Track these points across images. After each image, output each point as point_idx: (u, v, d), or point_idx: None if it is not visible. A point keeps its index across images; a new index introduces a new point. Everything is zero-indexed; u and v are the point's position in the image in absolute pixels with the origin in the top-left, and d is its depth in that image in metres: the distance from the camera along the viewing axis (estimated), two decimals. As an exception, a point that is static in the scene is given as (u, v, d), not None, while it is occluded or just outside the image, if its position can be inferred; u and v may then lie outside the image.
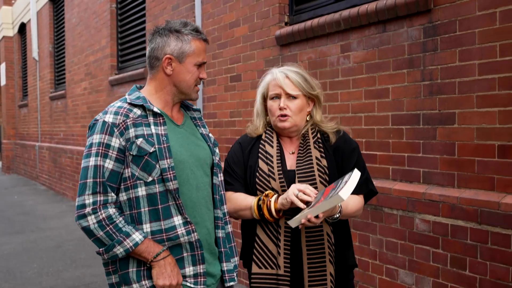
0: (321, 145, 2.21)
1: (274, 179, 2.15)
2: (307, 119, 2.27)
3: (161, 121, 1.99)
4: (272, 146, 2.24)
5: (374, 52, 3.49)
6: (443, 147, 3.07)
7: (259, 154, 2.23)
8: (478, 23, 2.85)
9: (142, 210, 1.93)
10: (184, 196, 1.99)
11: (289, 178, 2.16)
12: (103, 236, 1.87)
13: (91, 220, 1.86)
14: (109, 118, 1.93)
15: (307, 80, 2.22)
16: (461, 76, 2.95)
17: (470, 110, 2.92)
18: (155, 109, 1.99)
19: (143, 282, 1.94)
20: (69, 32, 10.42)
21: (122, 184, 1.93)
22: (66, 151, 10.49)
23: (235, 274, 2.15)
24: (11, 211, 9.11)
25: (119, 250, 1.88)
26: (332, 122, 2.32)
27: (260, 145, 2.26)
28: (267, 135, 2.28)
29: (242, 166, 2.27)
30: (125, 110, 1.96)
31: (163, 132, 1.97)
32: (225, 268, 2.12)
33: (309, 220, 1.92)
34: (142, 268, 1.95)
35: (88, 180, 1.88)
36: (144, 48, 7.18)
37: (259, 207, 2.11)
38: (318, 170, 2.15)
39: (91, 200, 1.86)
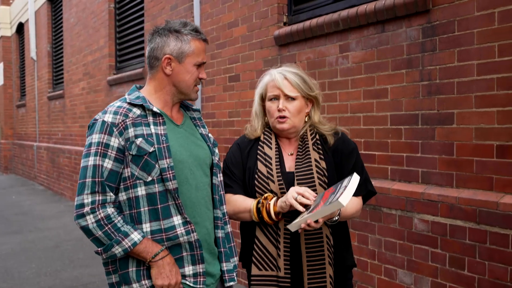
0: (320, 146, 2.21)
1: (273, 181, 2.15)
2: (306, 120, 2.27)
3: (161, 121, 1.99)
4: (270, 148, 2.23)
5: (372, 52, 3.49)
6: (441, 147, 3.08)
7: (258, 156, 2.23)
8: (476, 24, 2.86)
9: (142, 209, 1.94)
10: (184, 196, 1.99)
11: (288, 180, 2.16)
12: (102, 236, 1.87)
13: (90, 220, 1.86)
14: (109, 117, 1.93)
15: (306, 81, 2.21)
16: (460, 76, 2.96)
17: (469, 110, 2.92)
18: (155, 109, 1.99)
19: (143, 282, 1.94)
20: (67, 32, 10.41)
21: (121, 183, 1.93)
22: (64, 151, 10.48)
23: (234, 274, 2.15)
24: (9, 211, 9.09)
25: (117, 250, 1.88)
26: (330, 123, 2.31)
27: (259, 147, 2.26)
28: (265, 137, 2.28)
29: (240, 168, 2.27)
30: (124, 109, 1.96)
31: (162, 132, 1.97)
32: (225, 268, 2.12)
33: (308, 225, 1.92)
34: (142, 268, 1.95)
35: (87, 180, 1.88)
36: (143, 48, 7.18)
37: (258, 210, 2.11)
38: (317, 172, 2.15)
39: (89, 200, 1.86)
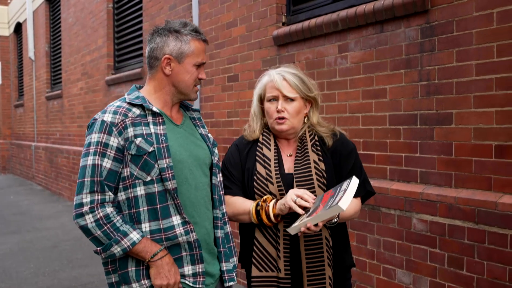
0: (318, 148, 2.21)
1: (272, 183, 2.15)
2: (305, 121, 2.27)
3: (160, 120, 1.99)
4: (269, 149, 2.23)
5: (371, 52, 3.50)
6: (440, 147, 3.08)
7: (257, 157, 2.22)
8: (475, 24, 2.86)
9: (141, 209, 1.93)
10: (183, 196, 1.99)
11: (287, 181, 2.16)
12: (101, 235, 1.87)
13: (89, 219, 1.86)
14: (108, 117, 1.93)
15: (305, 82, 2.21)
16: (458, 76, 2.96)
17: (467, 110, 2.93)
18: (154, 109, 1.99)
19: (143, 282, 1.94)
20: (65, 31, 10.39)
21: (120, 183, 1.93)
22: (62, 151, 10.47)
23: (234, 274, 2.16)
24: (7, 211, 9.08)
25: (116, 250, 1.88)
26: (328, 123, 2.31)
27: (258, 148, 2.25)
28: (264, 138, 2.27)
29: (239, 169, 2.26)
30: (124, 109, 1.96)
31: (162, 132, 1.97)
32: (224, 268, 2.12)
33: (308, 228, 1.92)
34: (141, 268, 1.95)
35: (86, 179, 1.88)
36: (141, 48, 7.18)
37: (257, 213, 2.10)
38: (316, 174, 2.15)
39: (88, 199, 1.86)
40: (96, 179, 1.87)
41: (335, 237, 2.20)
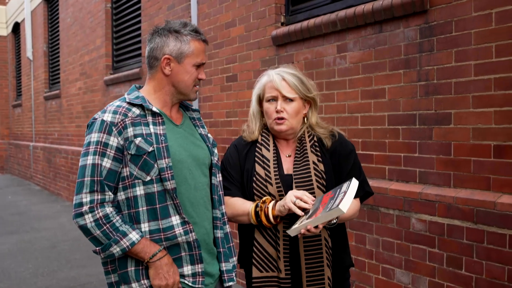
0: (318, 149, 2.21)
1: (271, 184, 2.15)
2: (304, 121, 2.27)
3: (160, 120, 1.99)
4: (268, 150, 2.23)
5: (370, 52, 3.50)
6: (439, 147, 3.09)
7: (256, 158, 2.22)
8: (474, 24, 2.87)
9: (140, 209, 1.93)
10: (182, 196, 1.99)
11: (286, 182, 2.16)
12: (100, 235, 1.87)
13: (88, 219, 1.86)
14: (108, 117, 1.93)
15: (304, 83, 2.21)
16: (457, 76, 2.97)
17: (466, 110, 2.93)
18: (154, 109, 1.99)
19: (142, 282, 1.94)
20: (63, 31, 10.38)
21: (120, 183, 1.93)
22: (60, 151, 10.46)
23: (234, 274, 2.16)
24: (5, 211, 9.07)
25: (115, 250, 1.88)
26: (327, 124, 2.31)
27: (257, 149, 2.25)
28: (263, 138, 2.27)
29: (238, 170, 2.26)
30: (124, 109, 1.96)
31: (161, 132, 1.97)
32: (224, 268, 2.12)
33: (308, 230, 1.92)
34: (141, 267, 1.95)
35: (85, 179, 1.88)
36: (139, 48, 7.17)
37: (256, 214, 2.11)
38: (315, 175, 2.15)
39: (88, 199, 1.86)
40: (96, 178, 1.87)
41: (334, 237, 2.20)
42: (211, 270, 2.08)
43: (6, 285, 5.01)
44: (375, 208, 3.48)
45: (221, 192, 2.18)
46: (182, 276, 1.99)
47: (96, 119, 1.96)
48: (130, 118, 1.95)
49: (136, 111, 1.98)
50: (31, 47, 12.64)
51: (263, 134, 2.28)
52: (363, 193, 2.25)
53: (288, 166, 2.22)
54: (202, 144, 2.14)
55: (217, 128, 5.18)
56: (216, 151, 2.20)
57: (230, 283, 2.15)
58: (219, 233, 2.13)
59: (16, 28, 14.76)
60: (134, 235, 1.88)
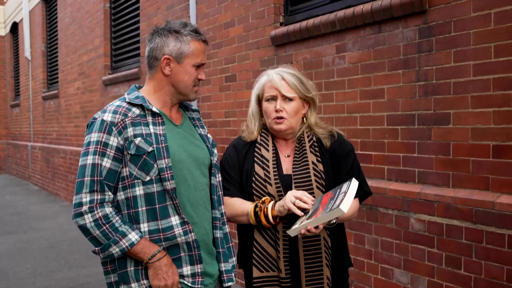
0: (317, 149, 2.21)
1: (271, 184, 2.15)
2: (303, 121, 2.27)
3: (160, 121, 1.99)
4: (267, 150, 2.23)
5: (369, 52, 3.50)
6: (438, 147, 3.09)
7: (255, 158, 2.22)
8: (473, 24, 2.87)
9: (140, 209, 1.93)
10: (182, 196, 1.99)
11: (285, 183, 2.16)
12: (99, 235, 1.87)
13: (88, 219, 1.86)
14: (108, 116, 1.93)
15: (303, 82, 2.21)
16: (456, 76, 2.97)
17: (465, 111, 2.94)
18: (154, 109, 1.99)
19: (142, 282, 1.94)
20: (62, 31, 10.37)
21: (120, 183, 1.93)
22: (59, 151, 10.44)
23: (233, 274, 2.16)
24: (3, 212, 9.05)
25: (115, 250, 1.88)
26: (326, 124, 2.31)
27: (256, 149, 2.25)
28: (262, 138, 2.27)
29: (237, 170, 2.26)
30: (124, 109, 1.96)
31: (161, 132, 1.97)
32: (223, 269, 2.12)
33: (308, 230, 1.93)
34: (141, 267, 1.95)
35: (85, 178, 1.87)
36: (138, 48, 7.17)
37: (256, 214, 2.11)
38: (315, 175, 2.15)
39: (88, 199, 1.86)
40: (96, 178, 1.87)
41: (333, 237, 2.20)
42: (211, 271, 2.08)
43: (5, 285, 5.00)
44: (374, 208, 3.48)
45: (220, 193, 2.18)
46: (182, 276, 1.99)
47: (96, 119, 1.95)
48: (130, 118, 1.95)
49: (136, 111, 1.98)
50: (29, 47, 12.62)
51: (262, 134, 2.28)
52: (362, 193, 2.25)
53: (287, 166, 2.22)
54: (202, 144, 2.14)
55: (216, 128, 5.17)
56: (215, 151, 2.20)
57: (230, 283, 2.15)
58: (218, 233, 2.13)
59: (14, 28, 14.74)
60: (133, 236, 1.88)
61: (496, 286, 2.78)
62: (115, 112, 1.94)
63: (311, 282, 2.13)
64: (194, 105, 5.46)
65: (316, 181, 2.14)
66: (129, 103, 1.99)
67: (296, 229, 1.96)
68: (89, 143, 1.91)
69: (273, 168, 2.17)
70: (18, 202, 10.16)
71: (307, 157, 2.18)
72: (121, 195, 1.94)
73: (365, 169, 3.41)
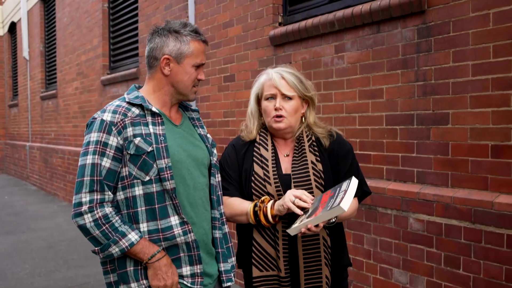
0: (316, 148, 2.21)
1: (270, 184, 2.15)
2: (302, 121, 2.27)
3: (159, 121, 1.99)
4: (267, 149, 2.23)
5: (368, 52, 3.51)
6: (437, 147, 3.10)
7: (254, 158, 2.23)
8: (471, 24, 2.88)
9: (139, 209, 1.93)
10: (181, 196, 1.99)
11: (284, 182, 2.16)
12: (99, 235, 1.87)
13: (88, 219, 1.85)
14: (107, 116, 1.93)
15: (302, 82, 2.22)
16: (455, 76, 2.98)
17: (464, 111, 2.94)
18: (154, 109, 1.99)
19: (141, 282, 1.94)
20: (60, 31, 10.36)
21: (119, 183, 1.93)
22: (57, 151, 10.43)
23: (232, 275, 2.16)
24: (2, 212, 9.04)
25: (114, 250, 1.88)
26: (324, 124, 2.32)
27: (255, 148, 2.25)
28: (261, 138, 2.27)
29: (236, 170, 2.26)
30: (123, 109, 1.96)
31: (161, 132, 1.97)
32: (223, 269, 2.12)
33: (309, 229, 1.93)
34: (140, 267, 1.95)
35: (85, 178, 1.87)
36: (137, 48, 7.16)
37: (255, 213, 2.11)
38: (314, 174, 2.15)
39: (88, 198, 1.86)
40: (95, 178, 1.87)
41: (332, 236, 2.21)
42: (210, 271, 2.08)
43: (3, 286, 4.99)
44: (373, 208, 3.48)
45: (219, 193, 2.18)
46: (181, 276, 1.99)
47: (95, 118, 1.95)
48: (129, 118, 1.95)
49: (136, 111, 1.98)
50: (28, 47, 12.61)
51: (261, 133, 2.28)
52: (361, 193, 2.25)
53: (286, 166, 2.22)
54: (201, 145, 2.14)
55: (214, 128, 5.17)
56: (215, 151, 2.20)
57: (229, 284, 2.15)
58: (217, 234, 2.13)
59: (13, 27, 14.72)
60: (133, 236, 1.88)
61: (495, 285, 2.79)
62: (114, 112, 1.94)
63: (310, 281, 2.13)
64: (193, 105, 5.45)
65: (315, 180, 2.14)
66: (128, 103, 1.99)
67: (296, 228, 1.96)
68: (88, 143, 1.91)
69: (272, 167, 2.18)
70: (16, 202, 10.15)
71: (306, 156, 2.18)
72: (120, 195, 1.93)
73: (364, 169, 3.41)
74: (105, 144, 1.90)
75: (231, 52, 4.92)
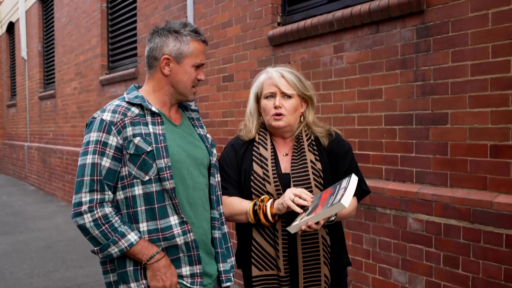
0: (315, 147, 2.22)
1: (269, 183, 2.15)
2: (301, 120, 2.27)
3: (159, 120, 1.99)
4: (266, 149, 2.23)
5: (367, 52, 3.51)
6: (436, 147, 3.10)
7: (253, 157, 2.23)
8: (470, 24, 2.88)
9: (139, 209, 1.93)
10: (180, 196, 1.99)
11: (284, 181, 2.16)
12: (99, 235, 1.87)
13: (87, 219, 1.85)
14: (107, 116, 1.93)
15: (302, 81, 2.23)
16: (454, 76, 2.98)
17: (463, 111, 2.94)
18: (153, 109, 1.99)
19: (141, 282, 1.94)
20: (58, 31, 10.35)
21: (119, 182, 1.92)
22: (55, 151, 10.42)
23: (231, 275, 2.16)
24: (0, 212, 9.02)
25: (113, 250, 1.88)
26: (323, 123, 2.32)
27: (254, 148, 2.25)
28: (260, 137, 2.27)
29: (235, 169, 2.26)
30: (123, 108, 1.96)
31: (160, 132, 1.97)
32: (222, 269, 2.12)
33: (309, 226, 1.93)
34: (140, 267, 1.95)
35: (85, 178, 1.87)
36: (135, 48, 7.16)
37: (255, 212, 2.11)
38: (313, 173, 2.15)
39: (87, 198, 1.86)
40: (95, 178, 1.87)
41: (331, 236, 2.21)
42: (210, 271, 2.08)
43: (2, 286, 4.98)
44: (372, 208, 3.49)
45: (219, 193, 2.18)
46: (181, 276, 1.99)
47: (95, 118, 1.95)
48: (129, 117, 1.95)
49: (135, 110, 1.97)
50: (26, 47, 12.59)
51: (260, 133, 2.29)
52: (360, 192, 2.26)
53: (285, 165, 2.22)
54: (201, 144, 2.14)
55: (213, 128, 5.17)
56: (214, 151, 2.20)
57: (228, 284, 2.15)
58: (217, 234, 2.13)
59: (11, 27, 14.70)
60: (132, 236, 1.88)
61: (493, 285, 2.79)
62: (114, 112, 1.94)
63: (308, 280, 2.13)
64: (192, 104, 5.45)
65: (314, 179, 2.14)
66: (128, 102, 1.99)
67: (296, 225, 1.96)
68: (88, 143, 1.91)
69: (272, 166, 2.18)
70: (14, 202, 10.13)
71: (305, 155, 2.19)
72: (120, 195, 1.93)
73: (363, 169, 3.41)
74: (105, 144, 1.89)
75: (230, 52, 4.92)
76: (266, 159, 2.20)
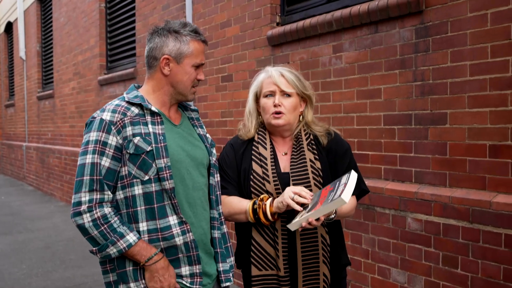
0: (314, 147, 2.22)
1: (269, 182, 2.15)
2: (300, 119, 2.28)
3: (159, 120, 1.99)
4: (265, 148, 2.24)
5: (366, 52, 3.51)
6: (435, 147, 3.10)
7: (253, 157, 2.23)
8: (469, 24, 2.89)
9: (139, 208, 1.93)
10: (180, 196, 1.99)
11: (283, 180, 2.16)
12: (97, 235, 1.86)
13: (86, 218, 1.85)
14: (107, 116, 1.92)
15: (301, 80, 2.24)
16: (453, 76, 2.98)
17: (462, 110, 2.95)
18: (153, 108, 1.99)
19: (141, 282, 1.94)
20: (57, 31, 10.34)
21: (119, 182, 1.92)
22: (54, 151, 10.41)
23: (231, 275, 2.16)
24: (-2, 212, 9.03)
25: (112, 250, 1.87)
26: (322, 123, 2.33)
27: (253, 147, 2.26)
28: (259, 136, 2.28)
29: (235, 169, 2.26)
30: (123, 108, 1.96)
31: (160, 132, 1.97)
32: (221, 269, 2.12)
33: (309, 223, 1.93)
34: (139, 267, 1.94)
35: (84, 178, 1.87)
36: (134, 48, 7.16)
37: (254, 211, 2.11)
38: (312, 172, 2.16)
39: (87, 198, 1.85)
40: (95, 177, 1.87)
41: (330, 235, 2.21)
42: (209, 270, 2.08)
43: (0, 286, 4.98)
44: (371, 207, 3.49)
45: (218, 193, 2.18)
46: (180, 276, 1.99)
47: (95, 117, 1.95)
48: (129, 117, 1.94)
49: (135, 110, 1.97)
50: (24, 47, 12.57)
51: (260, 132, 2.29)
52: (359, 191, 2.26)
53: (285, 164, 2.23)
54: (201, 144, 2.14)
55: (212, 128, 5.17)
56: (214, 151, 2.20)
57: (227, 283, 2.15)
58: (216, 233, 2.13)
59: (9, 27, 14.68)
60: (131, 237, 1.88)
61: (492, 285, 2.79)
62: (114, 111, 1.94)
63: (308, 279, 2.13)
64: (192, 104, 5.45)
65: (314, 178, 2.14)
66: (128, 102, 1.99)
67: (296, 222, 1.96)
68: (88, 142, 1.91)
69: (271, 166, 2.18)
70: (13, 202, 10.12)
71: (304, 155, 2.19)
72: (120, 194, 1.93)
73: (362, 169, 3.41)
74: (105, 144, 1.89)
75: (228, 52, 4.92)
76: (266, 159, 2.20)
